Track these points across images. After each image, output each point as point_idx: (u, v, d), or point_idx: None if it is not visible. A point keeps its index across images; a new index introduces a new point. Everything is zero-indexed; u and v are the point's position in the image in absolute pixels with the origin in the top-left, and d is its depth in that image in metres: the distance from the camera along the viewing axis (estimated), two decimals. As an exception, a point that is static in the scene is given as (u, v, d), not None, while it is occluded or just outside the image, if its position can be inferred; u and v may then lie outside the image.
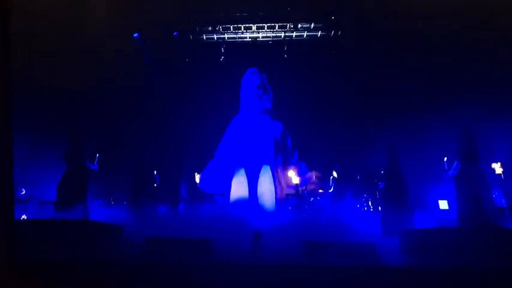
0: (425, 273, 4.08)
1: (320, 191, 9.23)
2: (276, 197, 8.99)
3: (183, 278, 3.74)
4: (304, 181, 9.81)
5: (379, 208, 7.98)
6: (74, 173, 7.11)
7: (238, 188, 9.26)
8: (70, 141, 7.49)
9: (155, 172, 8.67)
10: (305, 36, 12.05)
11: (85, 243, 4.61)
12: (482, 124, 7.42)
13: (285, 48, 12.15)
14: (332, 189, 8.53)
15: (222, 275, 3.88)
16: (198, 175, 9.81)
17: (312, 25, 11.78)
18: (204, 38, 12.31)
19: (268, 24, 11.79)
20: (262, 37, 12.22)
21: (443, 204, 7.28)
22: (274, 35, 12.13)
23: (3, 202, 2.73)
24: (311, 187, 9.61)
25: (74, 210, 6.38)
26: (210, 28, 11.84)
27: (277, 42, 12.26)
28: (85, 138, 7.88)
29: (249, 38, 12.19)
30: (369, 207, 8.22)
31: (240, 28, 11.92)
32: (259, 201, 9.01)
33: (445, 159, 6.96)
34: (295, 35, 12.04)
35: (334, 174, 8.86)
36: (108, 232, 5.33)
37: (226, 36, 12.19)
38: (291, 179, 9.80)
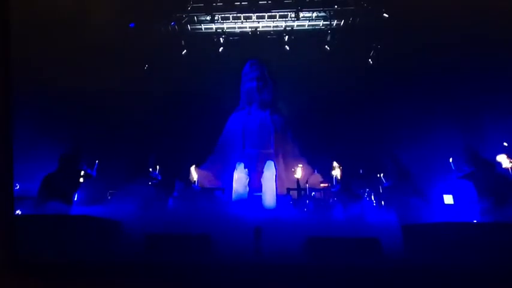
0: (431, 269, 4.08)
1: (321, 185, 9.21)
2: (277, 192, 8.99)
3: (183, 274, 3.78)
4: (305, 175, 9.80)
5: (383, 203, 7.99)
6: (64, 173, 7.17)
7: (239, 183, 9.25)
8: (70, 145, 7.64)
9: (156, 168, 8.71)
10: (307, 26, 11.92)
11: (84, 240, 4.66)
12: (489, 119, 7.40)
13: (286, 38, 12.01)
14: (334, 183, 8.51)
15: (222, 271, 3.90)
16: (197, 170, 9.79)
17: (314, 14, 11.64)
18: (203, 28, 12.18)
19: (268, 14, 11.64)
20: (263, 27, 12.07)
21: (448, 199, 7.27)
22: (275, 25, 11.99)
23: (3, 201, 2.78)
24: (313, 181, 9.60)
25: (56, 206, 6.43)
26: (208, 18, 11.70)
27: (278, 33, 12.12)
28: (85, 143, 8.04)
29: (249, 28, 12.05)
30: (372, 201, 8.22)
31: (239, 18, 11.78)
32: (261, 196, 9.01)
33: (451, 160, 7.03)
34: (297, 25, 11.90)
35: (337, 168, 8.83)
36: (107, 229, 5.37)
37: (225, 26, 12.06)
38: (292, 173, 9.78)
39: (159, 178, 8.59)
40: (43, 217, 5.78)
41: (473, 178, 6.62)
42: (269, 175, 9.25)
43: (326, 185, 9.06)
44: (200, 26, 12.11)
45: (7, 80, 2.70)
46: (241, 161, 10.34)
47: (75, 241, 4.53)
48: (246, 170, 9.47)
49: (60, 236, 4.60)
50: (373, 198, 8.27)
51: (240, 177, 9.44)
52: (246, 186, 9.14)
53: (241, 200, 8.93)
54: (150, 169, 8.58)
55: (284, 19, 11.75)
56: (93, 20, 8.84)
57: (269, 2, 11.35)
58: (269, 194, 8.74)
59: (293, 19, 11.66)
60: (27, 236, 3.64)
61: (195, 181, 9.32)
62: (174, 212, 7.77)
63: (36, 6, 7.22)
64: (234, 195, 8.99)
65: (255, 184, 9.42)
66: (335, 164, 8.76)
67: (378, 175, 8.39)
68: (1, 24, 2.67)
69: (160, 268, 3.82)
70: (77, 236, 4.71)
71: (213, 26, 12.03)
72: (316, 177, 9.95)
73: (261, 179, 9.22)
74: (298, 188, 9.26)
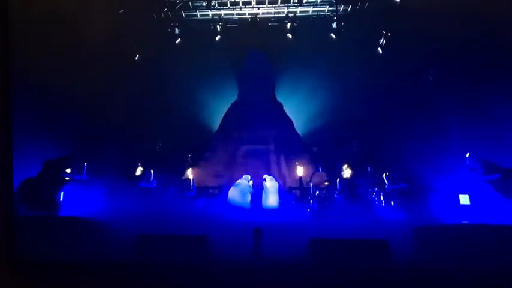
0: (445, 274, 4.05)
1: (326, 183, 9.16)
2: (279, 192, 8.96)
3: (179, 277, 3.86)
4: (308, 173, 9.76)
5: (392, 203, 7.93)
6: (45, 178, 7.49)
7: (238, 182, 9.22)
8: (57, 150, 7.96)
9: (150, 177, 8.89)
10: (311, 12, 11.76)
11: (82, 242, 4.90)
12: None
13: (289, 26, 11.87)
14: (338, 188, 8.46)
15: (220, 275, 3.96)
16: (193, 169, 9.78)
17: (319, -1, 11.54)
18: (198, 15, 12.06)
19: (269, -1, 11.54)
20: (263, 14, 11.93)
21: (464, 199, 7.21)
22: (276, 11, 11.84)
23: (3, 202, 2.91)
24: (316, 180, 9.55)
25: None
26: (204, 4, 11.58)
27: (279, 20, 11.96)
28: (75, 144, 8.39)
29: (248, 14, 11.92)
30: (380, 201, 8.17)
31: (237, 4, 11.65)
32: (261, 196, 8.99)
33: (467, 155, 7.05)
34: (300, 11, 11.74)
35: (347, 170, 8.79)
36: (103, 230, 5.61)
37: (222, 12, 11.92)
38: (294, 171, 9.73)
39: (154, 185, 8.74)
40: (41, 218, 6.06)
41: (501, 184, 6.70)
42: (268, 174, 9.22)
43: (327, 183, 9.01)
44: (195, 13, 11.96)
45: (7, 80, 2.82)
46: (240, 160, 10.29)
47: (74, 242, 4.78)
48: (246, 168, 9.42)
49: (58, 237, 4.86)
50: (381, 198, 8.22)
51: (239, 176, 9.41)
52: (246, 186, 9.09)
53: (240, 200, 8.88)
54: (145, 180, 8.79)
55: (286, 5, 11.60)
56: (80, 9, 8.92)
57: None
58: (269, 193, 8.68)
59: (296, 4, 11.52)
60: (27, 237, 3.80)
61: (190, 180, 9.32)
62: (172, 214, 7.83)
63: (36, 7, 7.56)
64: (233, 195, 8.94)
65: (255, 183, 9.38)
66: (346, 166, 8.71)
67: (384, 174, 8.35)
68: (1, 24, 2.78)
69: (157, 270, 3.94)
70: (75, 237, 4.97)
71: (210, 12, 11.88)
72: (320, 176, 9.89)
73: (259, 179, 9.19)
74: (301, 187, 9.22)
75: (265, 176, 9.18)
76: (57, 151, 7.98)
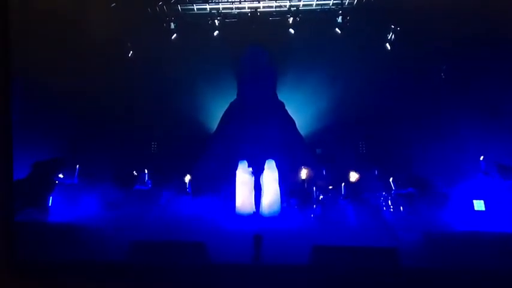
0: (455, 283, 3.99)
1: (330, 187, 9.12)
2: (280, 195, 8.91)
3: (178, 279, 3.96)
4: (312, 176, 9.69)
5: (401, 208, 7.87)
6: (34, 180, 7.63)
7: (238, 185, 9.17)
8: (48, 152, 8.12)
9: (145, 179, 9.00)
10: (314, 5, 11.74)
11: (80, 245, 5.11)
12: None
13: (291, 20, 11.83)
14: (343, 193, 8.42)
15: (218, 281, 3.99)
16: (191, 172, 9.77)
17: (323, -8, 11.53)
18: (195, 9, 12.05)
19: (270, -8, 11.55)
20: (264, 7, 11.90)
21: (478, 205, 7.14)
22: (277, 4, 11.82)
23: (2, 203, 3.01)
24: (320, 183, 9.49)
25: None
26: (202, -3, 11.61)
27: (281, 14, 11.93)
28: (67, 147, 8.63)
29: (248, 8, 11.91)
30: (388, 206, 8.11)
31: (237, -3, 11.68)
32: (262, 200, 8.95)
33: (481, 158, 7.06)
34: (303, 5, 11.72)
35: (349, 173, 8.74)
36: (101, 232, 5.82)
37: (220, 6, 11.91)
38: (297, 174, 9.65)
39: (149, 186, 8.85)
40: (41, 220, 6.45)
41: None
42: (269, 176, 9.15)
43: (331, 187, 8.98)
44: (192, 7, 11.96)
45: (7, 80, 2.91)
46: (240, 161, 10.24)
47: (73, 245, 5.01)
48: (245, 170, 9.37)
49: (58, 240, 5.09)
50: (389, 203, 8.16)
51: (238, 179, 9.34)
52: (246, 189, 9.05)
53: (240, 205, 8.84)
54: (140, 182, 8.95)
55: (288, -2, 11.64)
56: (80, 9, 9.08)
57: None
58: (271, 197, 8.64)
59: (298, -2, 11.55)
60: (26, 240, 4.01)
61: (187, 183, 9.31)
62: (168, 217, 7.84)
63: (36, 7, 7.84)
64: (232, 200, 8.89)
65: (256, 186, 9.34)
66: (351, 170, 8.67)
67: (391, 178, 8.30)
68: (1, 24, 2.88)
69: (157, 271, 4.07)
70: (74, 240, 5.22)
71: (207, 6, 11.86)
72: (324, 179, 9.81)
73: (260, 181, 9.14)
74: (304, 190, 9.14)
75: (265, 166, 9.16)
76: (52, 152, 8.13)
